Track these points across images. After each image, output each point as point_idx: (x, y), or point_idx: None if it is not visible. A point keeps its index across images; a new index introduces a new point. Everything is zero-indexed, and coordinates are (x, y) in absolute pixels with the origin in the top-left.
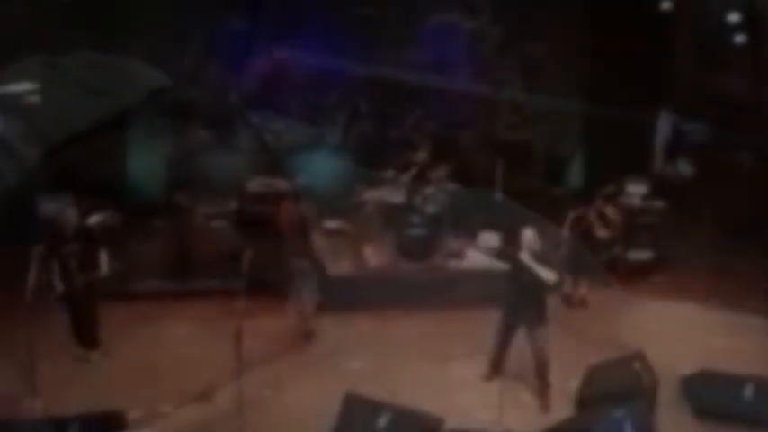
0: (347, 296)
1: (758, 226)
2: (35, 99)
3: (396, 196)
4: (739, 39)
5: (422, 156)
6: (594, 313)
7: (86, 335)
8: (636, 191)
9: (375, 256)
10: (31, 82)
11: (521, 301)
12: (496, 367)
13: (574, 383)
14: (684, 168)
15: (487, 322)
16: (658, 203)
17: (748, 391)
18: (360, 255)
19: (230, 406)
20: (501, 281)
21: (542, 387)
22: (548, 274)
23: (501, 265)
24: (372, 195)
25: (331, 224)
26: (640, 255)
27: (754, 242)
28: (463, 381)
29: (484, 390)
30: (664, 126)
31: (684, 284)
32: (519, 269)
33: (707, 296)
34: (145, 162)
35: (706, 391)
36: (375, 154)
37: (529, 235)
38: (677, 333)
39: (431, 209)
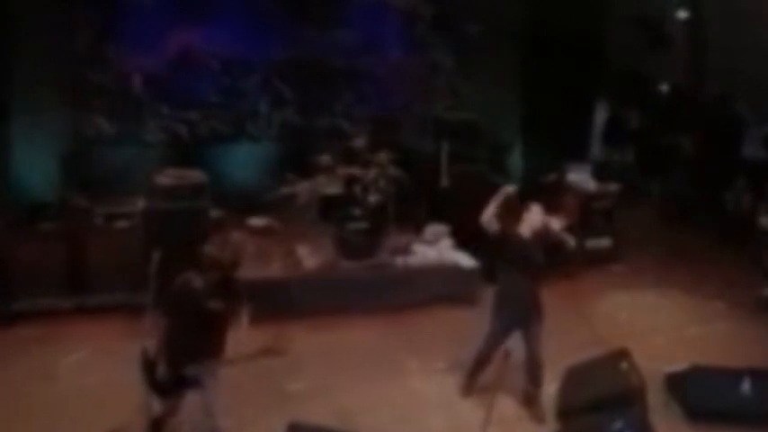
0: (280, 304)
1: (700, 209)
2: None
3: (332, 186)
4: (678, 23)
5: (360, 141)
6: (556, 307)
7: None
8: (579, 178)
9: (310, 255)
10: None
11: (522, 297)
12: (473, 380)
13: (551, 388)
14: (623, 155)
15: (446, 326)
16: (612, 186)
17: (745, 386)
18: (292, 255)
19: None
20: (460, 278)
21: (533, 388)
22: (569, 238)
23: (458, 260)
24: (305, 187)
25: (256, 221)
26: (598, 243)
27: (698, 225)
28: (426, 397)
29: (451, 406)
30: (602, 113)
31: (641, 272)
32: (520, 251)
33: (666, 284)
34: (31, 156)
35: (697, 389)
36: (301, 143)
37: (536, 211)
38: (647, 324)
39: (372, 199)
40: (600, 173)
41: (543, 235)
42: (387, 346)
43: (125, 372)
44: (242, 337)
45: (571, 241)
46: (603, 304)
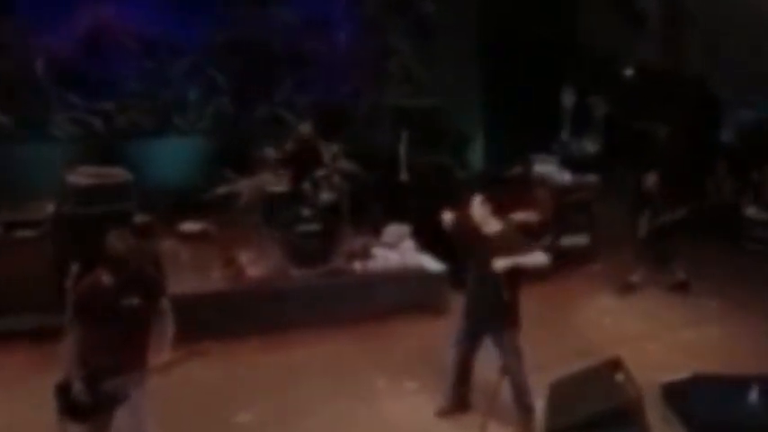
0: (222, 321)
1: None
2: None
3: (278, 183)
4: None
5: (307, 131)
6: (531, 314)
7: None
8: (548, 169)
9: (255, 263)
10: None
11: (487, 298)
12: (461, 398)
13: (536, 406)
14: (590, 145)
15: (414, 338)
16: (591, 178)
17: (753, 396)
18: (233, 263)
19: None
20: (426, 283)
21: (523, 414)
22: (537, 257)
23: (423, 264)
24: (246, 185)
25: (190, 226)
26: (575, 240)
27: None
28: (399, 420)
29: (428, 430)
30: (567, 101)
31: (623, 271)
32: (483, 250)
33: (651, 283)
34: None
35: (700, 400)
36: (238, 136)
37: (476, 203)
38: (635, 329)
39: (325, 197)
40: (568, 164)
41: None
42: (348, 364)
43: (34, 411)
44: (166, 342)
45: (540, 260)
46: (585, 308)
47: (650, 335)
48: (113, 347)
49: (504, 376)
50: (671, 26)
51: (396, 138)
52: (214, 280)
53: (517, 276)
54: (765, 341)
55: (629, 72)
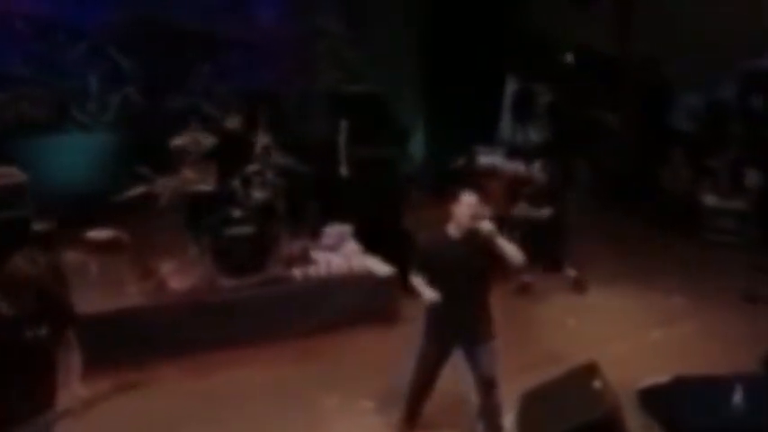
0: (141, 343)
1: (633, 190)
2: None
3: (203, 182)
4: None
5: (234, 122)
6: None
7: None
8: (492, 161)
9: (178, 274)
10: None
11: (459, 304)
12: (414, 414)
13: (506, 421)
14: (534, 135)
15: (365, 351)
16: (546, 168)
17: (737, 397)
18: (153, 275)
19: None
20: (375, 289)
21: None
22: (513, 252)
23: (371, 267)
24: (166, 184)
25: (98, 234)
26: None
27: (634, 208)
28: None
29: None
30: (511, 89)
31: (582, 267)
32: (452, 254)
33: (613, 279)
34: None
35: (684, 405)
36: (149, 130)
37: (470, 200)
38: (601, 330)
39: (257, 195)
40: (513, 154)
41: (474, 237)
42: (295, 383)
43: None
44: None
45: (517, 256)
46: (545, 309)
47: (618, 335)
48: (15, 390)
49: (489, 396)
50: (618, 7)
51: (332, 128)
52: (130, 295)
53: (489, 278)
54: (737, 336)
55: (569, 58)
